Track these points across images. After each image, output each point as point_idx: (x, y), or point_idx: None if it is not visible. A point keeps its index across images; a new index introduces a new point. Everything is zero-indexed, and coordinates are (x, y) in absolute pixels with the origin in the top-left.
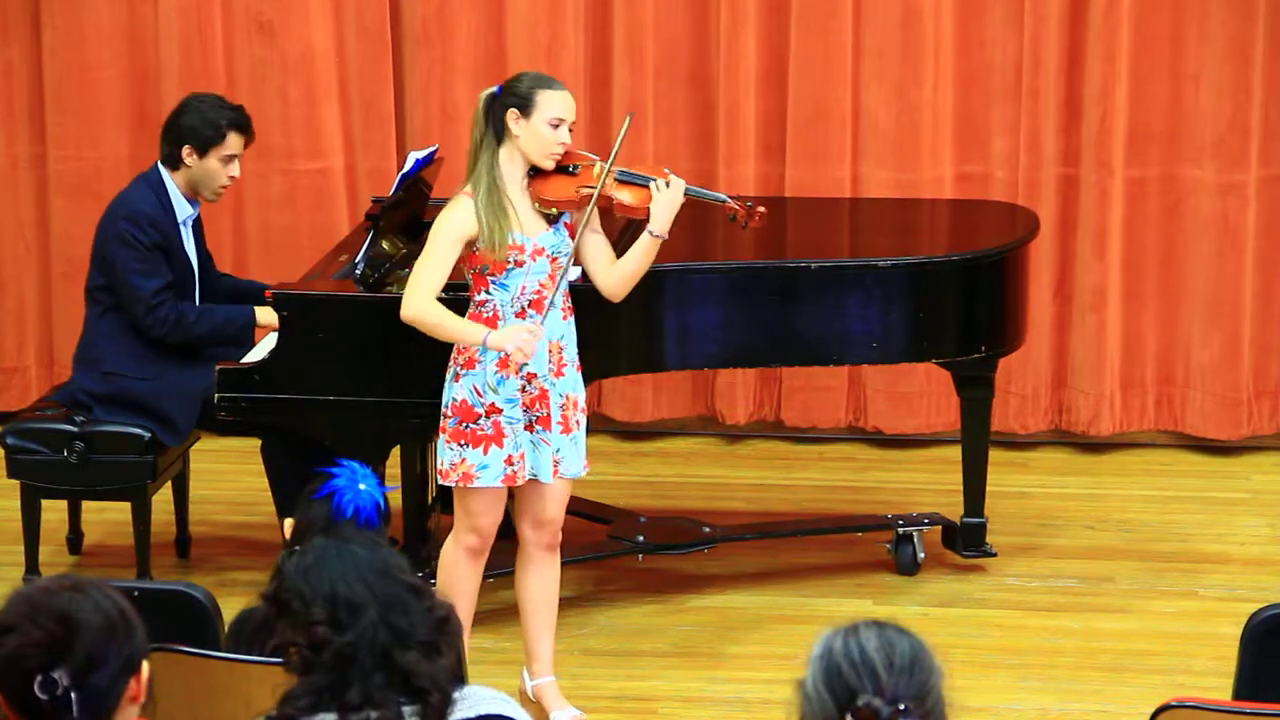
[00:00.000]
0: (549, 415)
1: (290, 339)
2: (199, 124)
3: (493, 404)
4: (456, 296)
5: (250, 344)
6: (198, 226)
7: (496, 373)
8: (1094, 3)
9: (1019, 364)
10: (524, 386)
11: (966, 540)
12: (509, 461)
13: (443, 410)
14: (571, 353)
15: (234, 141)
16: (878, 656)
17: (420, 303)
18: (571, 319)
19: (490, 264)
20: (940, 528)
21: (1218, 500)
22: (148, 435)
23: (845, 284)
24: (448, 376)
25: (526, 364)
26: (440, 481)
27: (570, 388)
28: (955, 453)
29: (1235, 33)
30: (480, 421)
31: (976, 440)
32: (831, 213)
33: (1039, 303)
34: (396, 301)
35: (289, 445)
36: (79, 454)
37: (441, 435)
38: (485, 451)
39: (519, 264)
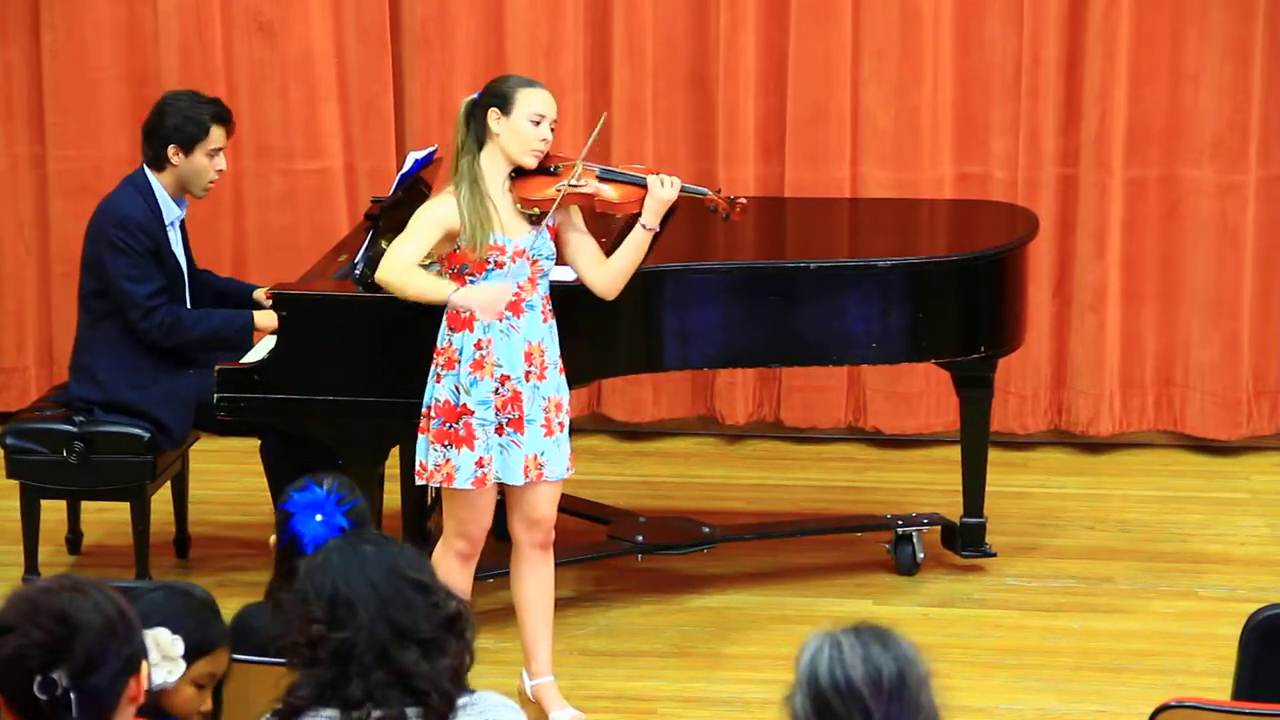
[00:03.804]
0: (521, 417)
1: (289, 339)
2: (181, 122)
3: (465, 404)
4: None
5: (247, 348)
6: (184, 229)
7: (470, 374)
8: (1093, 3)
9: (1018, 364)
10: (497, 389)
11: (966, 540)
12: (479, 464)
13: (424, 410)
14: (553, 355)
15: (217, 134)
16: (865, 688)
17: (391, 266)
18: (553, 321)
19: (470, 263)
20: (940, 528)
21: (1217, 500)
22: (147, 435)
23: (845, 284)
24: (430, 376)
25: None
26: (418, 480)
27: (553, 390)
28: (955, 453)
29: (1235, 32)
30: (458, 422)
31: (976, 440)
32: (831, 213)
33: (1038, 303)
34: (396, 302)
35: (288, 445)
36: (78, 454)
37: (423, 435)
38: (459, 452)
39: (499, 265)
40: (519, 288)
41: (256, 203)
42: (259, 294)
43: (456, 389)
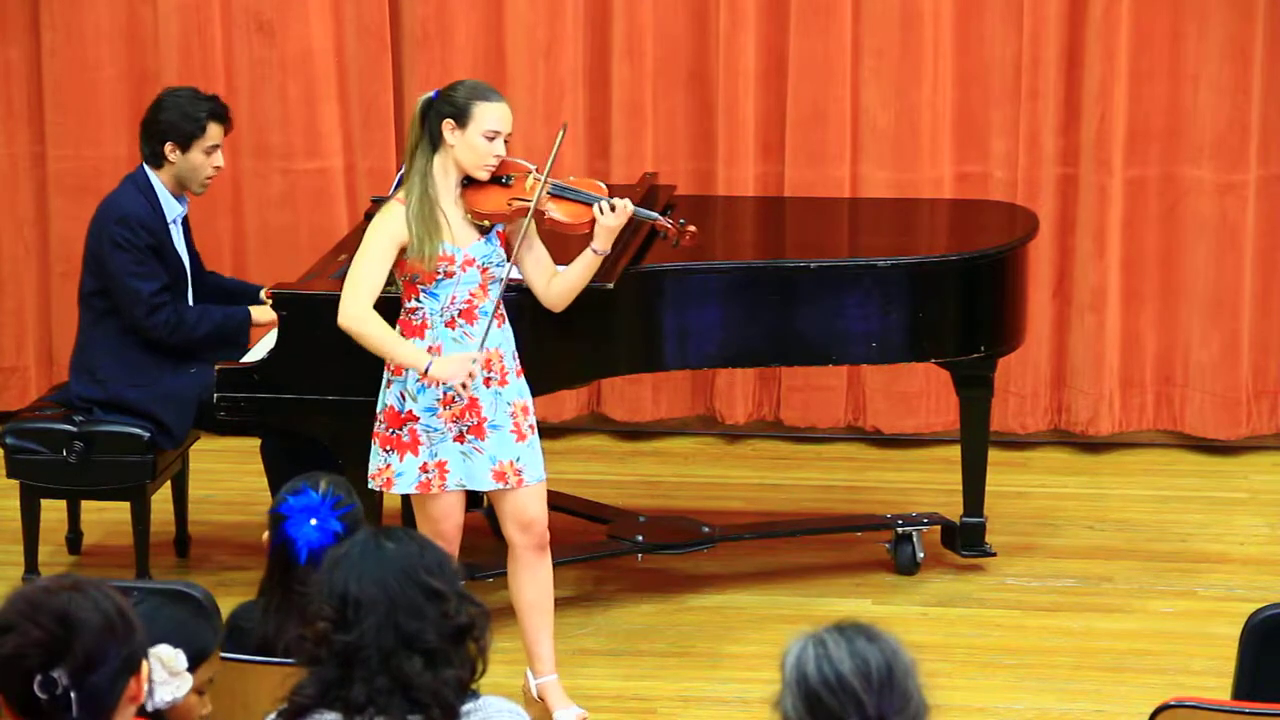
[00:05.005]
0: (480, 424)
1: (289, 338)
2: (178, 119)
3: (411, 411)
4: (385, 294)
5: (247, 343)
6: (186, 225)
7: (417, 381)
8: (1093, 2)
9: (1018, 364)
10: (453, 397)
11: (965, 540)
12: (423, 469)
13: (376, 415)
14: (512, 360)
15: (214, 131)
16: (855, 680)
17: (361, 311)
18: (508, 325)
19: (420, 273)
20: (939, 527)
21: (1217, 500)
22: (147, 435)
23: (844, 284)
24: (382, 382)
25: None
26: (368, 484)
27: (516, 394)
28: (954, 452)
29: (1234, 32)
30: (402, 428)
31: (976, 440)
32: (830, 212)
33: (1038, 302)
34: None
35: (288, 445)
36: (78, 454)
37: (374, 440)
38: (402, 458)
39: (449, 274)
40: (470, 294)
41: (256, 202)
42: (264, 294)
43: (403, 395)
